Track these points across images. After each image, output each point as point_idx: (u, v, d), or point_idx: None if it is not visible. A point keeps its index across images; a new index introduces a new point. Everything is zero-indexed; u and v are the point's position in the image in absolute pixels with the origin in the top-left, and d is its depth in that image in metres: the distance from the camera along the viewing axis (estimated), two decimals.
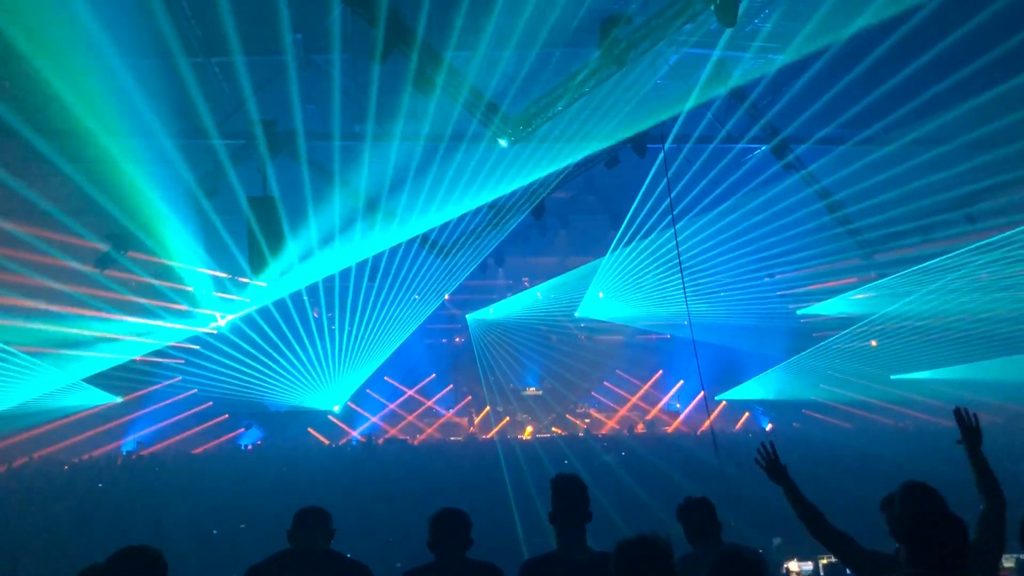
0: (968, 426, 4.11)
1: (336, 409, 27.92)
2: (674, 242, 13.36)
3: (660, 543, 3.05)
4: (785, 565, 9.32)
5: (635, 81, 14.07)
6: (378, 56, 10.95)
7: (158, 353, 24.36)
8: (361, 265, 21.13)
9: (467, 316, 31.73)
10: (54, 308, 19.35)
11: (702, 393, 26.32)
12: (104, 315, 20.30)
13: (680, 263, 13.23)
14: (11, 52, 11.85)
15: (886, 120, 16.12)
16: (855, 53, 13.54)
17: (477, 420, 29.97)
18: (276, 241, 13.97)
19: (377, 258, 20.82)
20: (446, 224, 18.76)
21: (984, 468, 3.99)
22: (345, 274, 21.81)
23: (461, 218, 18.71)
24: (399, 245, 18.78)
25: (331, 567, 3.99)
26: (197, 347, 24.81)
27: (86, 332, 20.64)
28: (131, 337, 21.85)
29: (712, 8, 10.62)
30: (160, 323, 21.63)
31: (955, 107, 14.80)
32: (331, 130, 14.84)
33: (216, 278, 20.65)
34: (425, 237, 18.54)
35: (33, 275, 18.21)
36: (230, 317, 22.55)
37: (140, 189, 16.21)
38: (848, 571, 7.07)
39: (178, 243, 17.80)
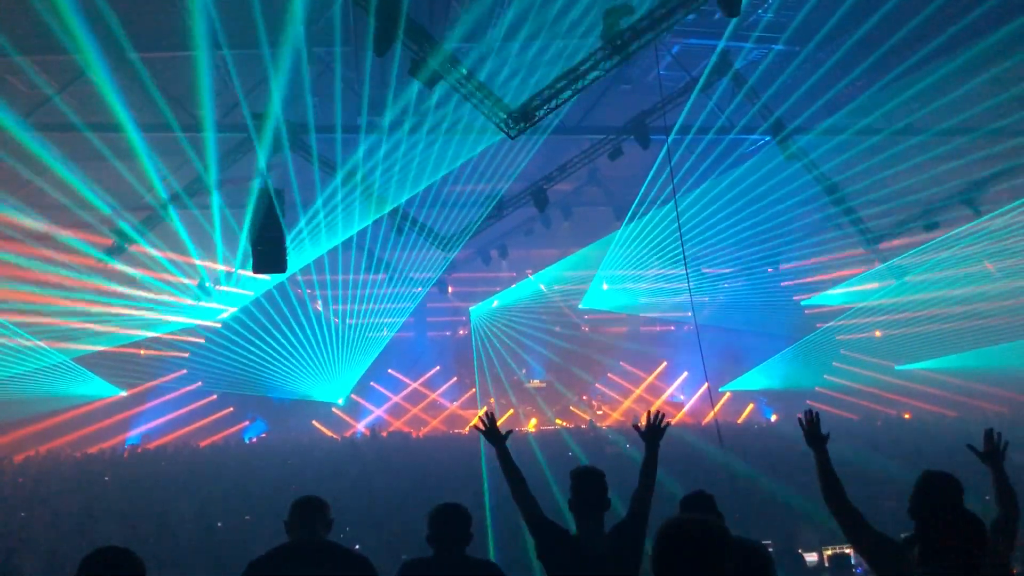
0: (994, 448, 4.12)
1: (340, 402, 27.92)
2: (678, 234, 13.31)
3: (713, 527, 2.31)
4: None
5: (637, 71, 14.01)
6: (382, 48, 10.90)
7: (163, 345, 24.46)
8: (363, 255, 21.13)
9: (470, 309, 31.70)
10: (61, 303, 19.43)
11: (706, 384, 26.28)
12: (110, 308, 20.35)
13: (684, 256, 13.15)
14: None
15: (896, 113, 16.04)
16: (861, 41, 13.46)
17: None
18: (279, 233, 13.95)
19: (381, 248, 20.83)
20: (447, 210, 18.83)
21: (1006, 481, 4.00)
22: (348, 264, 21.83)
23: (463, 206, 18.77)
24: (400, 234, 18.73)
25: (332, 560, 3.94)
26: (203, 340, 24.86)
27: (91, 326, 20.71)
28: (136, 331, 21.91)
29: None
30: (164, 317, 21.67)
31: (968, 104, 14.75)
32: (334, 122, 14.82)
33: (220, 270, 20.66)
34: (423, 226, 18.47)
35: (40, 269, 18.30)
36: (233, 309, 22.57)
37: (144, 182, 16.24)
38: (852, 560, 7.11)
39: (183, 236, 17.83)
